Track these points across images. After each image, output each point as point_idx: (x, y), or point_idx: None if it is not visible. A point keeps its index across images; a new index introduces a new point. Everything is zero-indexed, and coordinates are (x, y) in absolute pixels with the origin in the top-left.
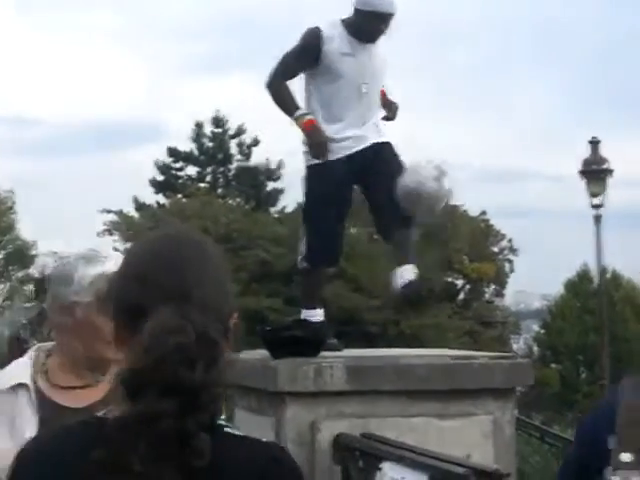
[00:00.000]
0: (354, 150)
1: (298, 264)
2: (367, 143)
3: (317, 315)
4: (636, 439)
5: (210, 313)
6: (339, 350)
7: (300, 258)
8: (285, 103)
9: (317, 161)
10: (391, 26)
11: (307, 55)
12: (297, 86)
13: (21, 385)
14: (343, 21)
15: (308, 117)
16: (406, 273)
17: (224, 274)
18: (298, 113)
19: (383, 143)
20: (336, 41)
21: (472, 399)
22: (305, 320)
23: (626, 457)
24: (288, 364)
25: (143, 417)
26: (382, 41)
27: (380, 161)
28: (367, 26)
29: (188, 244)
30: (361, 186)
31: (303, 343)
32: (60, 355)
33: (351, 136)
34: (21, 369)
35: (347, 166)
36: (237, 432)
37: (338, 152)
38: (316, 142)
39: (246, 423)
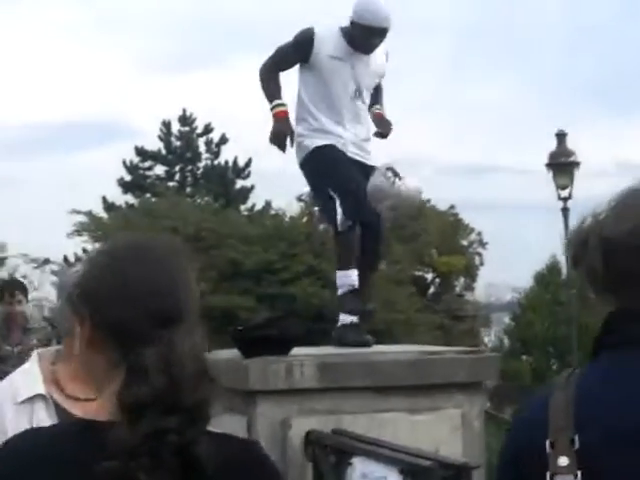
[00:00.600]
0: (350, 155)
1: (340, 227)
2: (359, 156)
3: (353, 275)
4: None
5: (196, 330)
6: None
7: (340, 220)
8: (268, 89)
9: (323, 142)
10: (385, 39)
11: (298, 50)
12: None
13: (38, 396)
14: (341, 28)
15: (282, 108)
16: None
17: (194, 278)
18: (275, 102)
19: (370, 168)
20: (328, 44)
21: (441, 393)
22: (277, 318)
23: (563, 461)
24: (259, 363)
25: (148, 434)
26: (381, 54)
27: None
28: (361, 38)
29: (167, 257)
30: None
31: (274, 342)
32: (70, 364)
33: (346, 138)
34: (31, 379)
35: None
36: (217, 430)
37: (338, 142)
38: (278, 131)
39: (220, 422)
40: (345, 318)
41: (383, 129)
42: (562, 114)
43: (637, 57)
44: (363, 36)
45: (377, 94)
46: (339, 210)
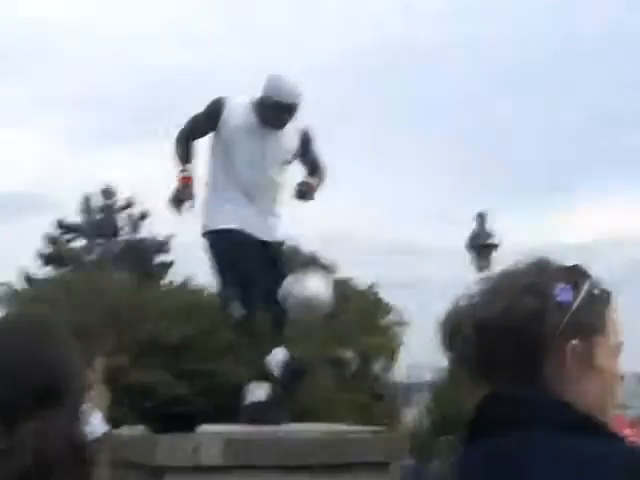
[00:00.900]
0: (254, 235)
1: (235, 314)
2: (265, 235)
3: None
4: None
5: (75, 409)
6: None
7: (235, 309)
8: (178, 154)
9: (224, 226)
10: (295, 115)
11: (206, 121)
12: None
13: None
14: (252, 103)
15: (186, 174)
16: (281, 354)
17: (76, 354)
18: (181, 167)
19: (276, 242)
20: (238, 116)
21: (350, 473)
22: (183, 397)
23: None
24: (167, 439)
25: None
26: (293, 132)
27: (270, 259)
28: (270, 113)
29: (44, 333)
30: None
31: (182, 419)
32: None
33: (248, 214)
34: None
35: (250, 238)
36: None
37: (242, 224)
38: (178, 195)
39: None
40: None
41: (307, 190)
42: (486, 197)
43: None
44: (272, 111)
45: (315, 171)
46: (235, 299)
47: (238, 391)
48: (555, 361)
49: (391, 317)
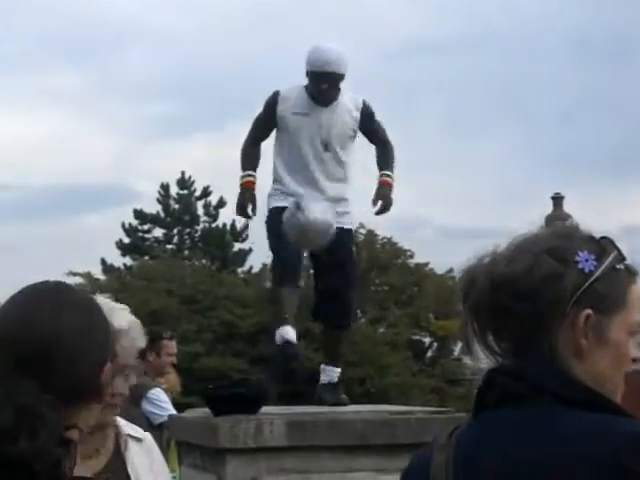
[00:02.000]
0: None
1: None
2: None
3: (286, 332)
4: None
5: (56, 375)
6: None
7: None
8: (242, 162)
9: (276, 204)
10: (339, 85)
11: (265, 117)
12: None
13: None
14: (305, 86)
15: (248, 178)
16: (330, 374)
17: (90, 325)
18: (244, 173)
19: (343, 231)
20: (291, 101)
21: (410, 454)
22: (246, 378)
23: None
24: (228, 421)
25: None
26: (351, 105)
27: (332, 250)
28: (315, 86)
29: (41, 299)
30: (312, 261)
31: (244, 401)
32: None
33: (305, 197)
34: None
35: None
36: None
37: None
38: (240, 202)
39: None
40: (324, 378)
41: (381, 206)
42: (558, 179)
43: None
44: (313, 83)
45: (384, 156)
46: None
47: (312, 376)
48: (567, 330)
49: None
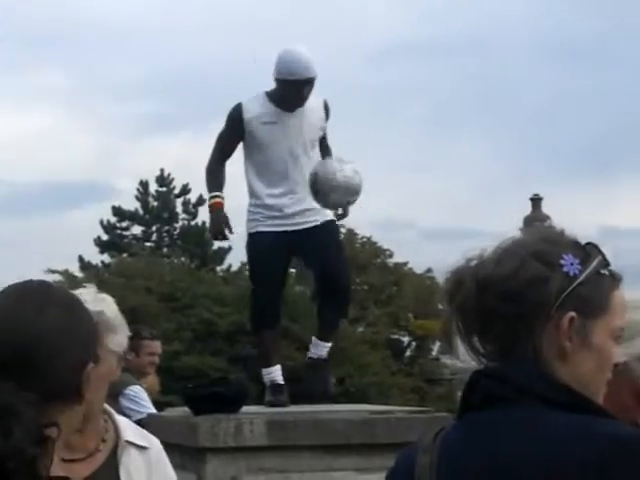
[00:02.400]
0: (292, 228)
1: (247, 326)
2: (307, 222)
3: (274, 373)
4: None
5: (37, 375)
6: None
7: (248, 320)
8: (209, 183)
9: (256, 229)
10: (313, 89)
11: (231, 132)
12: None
13: None
14: (267, 92)
15: (217, 199)
16: (320, 349)
17: (72, 326)
18: (211, 194)
19: (324, 223)
20: (257, 112)
21: (391, 453)
22: (226, 377)
23: None
24: (209, 420)
25: None
26: (318, 105)
27: (319, 241)
28: (286, 93)
29: (24, 300)
30: (300, 259)
31: (224, 400)
32: None
33: (287, 204)
34: None
35: (285, 238)
36: None
37: (273, 224)
38: (213, 225)
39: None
40: (314, 352)
41: (341, 212)
42: (537, 180)
43: (617, 121)
44: (286, 91)
45: (325, 152)
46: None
47: (295, 376)
48: (552, 332)
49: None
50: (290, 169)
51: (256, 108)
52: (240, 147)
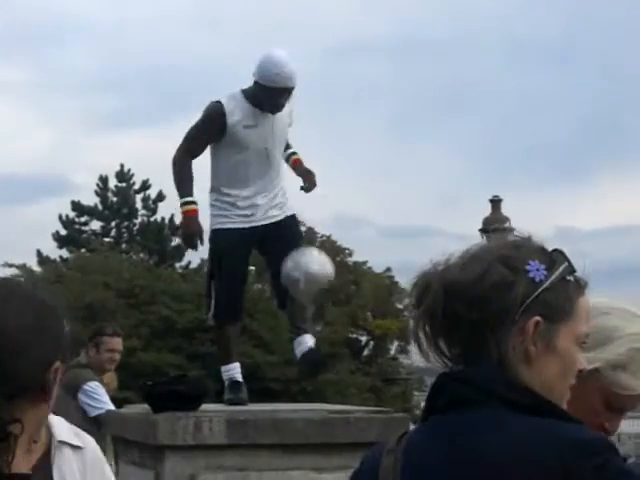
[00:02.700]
0: (260, 223)
1: (209, 321)
2: (273, 216)
3: (234, 370)
4: None
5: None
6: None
7: (209, 315)
8: (181, 183)
9: (222, 226)
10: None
11: (211, 130)
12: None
13: None
14: (244, 92)
15: (192, 206)
16: (305, 342)
17: (36, 321)
18: (186, 199)
19: (287, 217)
20: (238, 114)
21: (349, 453)
22: (185, 375)
23: None
24: (168, 418)
25: None
26: (286, 109)
27: (282, 235)
28: (267, 99)
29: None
30: (262, 253)
31: (183, 397)
32: None
33: (259, 204)
34: None
35: (249, 234)
36: None
37: (243, 221)
38: (188, 232)
39: (128, 476)
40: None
41: (308, 184)
42: (498, 182)
43: (575, 122)
44: (268, 96)
45: (287, 146)
46: (212, 305)
47: (252, 373)
48: (516, 336)
49: (407, 301)
50: (266, 168)
51: (237, 111)
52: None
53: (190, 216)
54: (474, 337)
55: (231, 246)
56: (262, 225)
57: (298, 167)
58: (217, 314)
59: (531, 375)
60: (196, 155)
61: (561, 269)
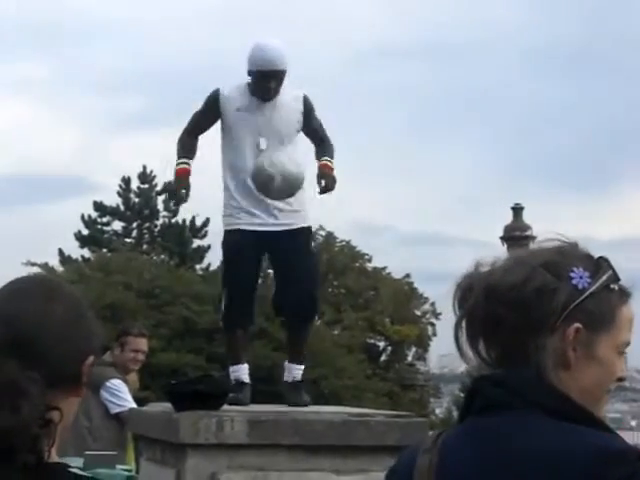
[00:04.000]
0: (265, 229)
1: (220, 322)
2: (278, 224)
3: (241, 370)
4: None
5: (40, 358)
6: (245, 404)
7: (220, 318)
8: (178, 151)
9: (231, 227)
10: (283, 81)
11: (206, 112)
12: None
13: None
14: (248, 83)
15: (182, 165)
16: (293, 372)
17: (75, 317)
18: (178, 161)
19: (298, 230)
20: (234, 99)
21: (369, 456)
22: (208, 375)
23: None
24: (190, 417)
25: None
26: (294, 99)
27: (292, 250)
28: (256, 84)
29: (27, 289)
30: (270, 262)
31: (205, 397)
32: None
33: (258, 208)
34: None
35: (258, 238)
36: (83, 473)
37: (248, 223)
38: (176, 187)
39: (150, 474)
40: (287, 376)
41: (326, 184)
42: (519, 189)
43: (601, 131)
44: (256, 81)
45: (323, 148)
46: (221, 309)
47: (270, 375)
48: (556, 342)
49: (425, 307)
50: (253, 160)
51: (234, 96)
52: (218, 143)
53: (179, 172)
54: (513, 341)
55: (239, 248)
56: (266, 231)
57: (322, 168)
58: (225, 319)
59: (569, 381)
60: (197, 130)
61: (605, 277)
